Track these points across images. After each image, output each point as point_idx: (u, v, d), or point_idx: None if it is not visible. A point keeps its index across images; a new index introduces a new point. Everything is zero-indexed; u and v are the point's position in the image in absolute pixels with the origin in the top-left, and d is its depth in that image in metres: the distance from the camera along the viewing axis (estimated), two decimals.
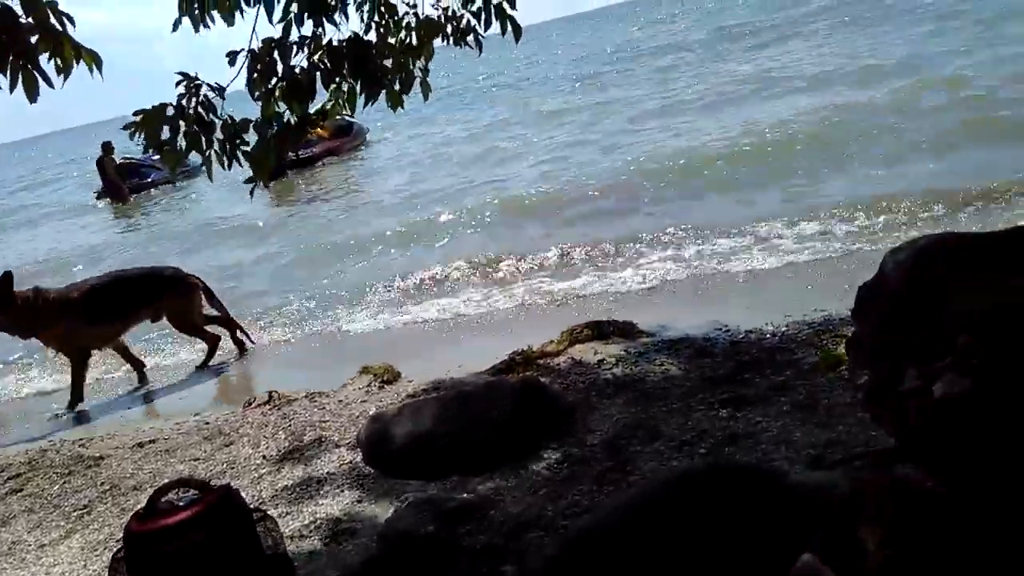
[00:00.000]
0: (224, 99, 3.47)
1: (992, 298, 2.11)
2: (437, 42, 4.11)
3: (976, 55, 14.61)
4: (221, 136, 3.43)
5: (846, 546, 2.38)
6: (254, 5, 3.40)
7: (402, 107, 4.05)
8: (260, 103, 3.53)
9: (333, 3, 3.55)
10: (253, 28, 3.42)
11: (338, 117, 4.47)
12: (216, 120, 3.46)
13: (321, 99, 3.83)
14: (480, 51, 4.15)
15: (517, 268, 8.23)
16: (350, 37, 3.68)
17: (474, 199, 12.40)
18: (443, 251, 9.76)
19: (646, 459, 3.66)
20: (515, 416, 4.08)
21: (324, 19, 3.49)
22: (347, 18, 3.76)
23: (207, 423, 5.44)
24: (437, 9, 4.12)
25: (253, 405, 5.47)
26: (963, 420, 2.03)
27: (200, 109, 3.40)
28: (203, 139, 3.39)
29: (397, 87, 3.98)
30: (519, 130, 19.40)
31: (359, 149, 23.31)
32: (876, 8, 26.26)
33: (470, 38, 4.14)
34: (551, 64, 39.03)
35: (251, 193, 3.76)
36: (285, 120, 3.51)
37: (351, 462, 4.20)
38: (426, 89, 4.12)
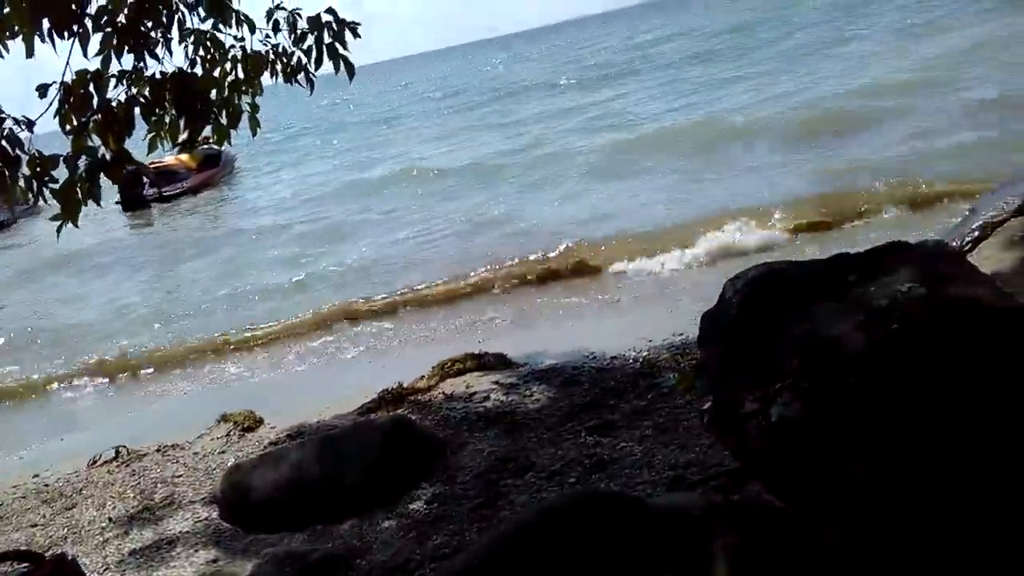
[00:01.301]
0: (33, 133, 3.22)
1: (816, 324, 2.25)
2: (279, 78, 4.02)
3: None
4: (28, 172, 3.19)
5: (702, 567, 2.47)
6: (69, 38, 3.20)
7: (228, 142, 3.94)
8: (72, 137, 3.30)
9: (156, 37, 3.41)
10: (67, 60, 3.23)
11: (204, 146, 4.28)
12: (22, 155, 3.21)
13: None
14: (312, 90, 4.09)
15: (386, 304, 8.12)
16: (174, 72, 3.54)
17: (345, 238, 12.14)
18: (311, 290, 9.49)
19: (518, 492, 3.66)
20: (384, 457, 3.98)
21: (146, 53, 3.35)
22: (171, 53, 3.63)
23: (47, 485, 4.99)
24: (266, 45, 4.03)
25: (99, 462, 5.07)
26: (797, 441, 2.15)
27: (4, 143, 3.15)
28: (7, 175, 3.14)
29: (224, 121, 3.85)
30: None
31: (231, 178, 22.65)
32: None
33: (301, 76, 4.06)
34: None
35: (58, 232, 3.45)
36: (100, 155, 3.29)
37: (207, 519, 3.96)
38: (254, 124, 4.00)
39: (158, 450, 5.04)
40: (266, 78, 4.03)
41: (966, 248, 5.17)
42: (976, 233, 5.30)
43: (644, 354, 5.08)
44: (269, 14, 4.15)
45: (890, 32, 21.58)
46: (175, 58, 3.77)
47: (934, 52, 16.39)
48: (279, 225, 14.56)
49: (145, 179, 18.92)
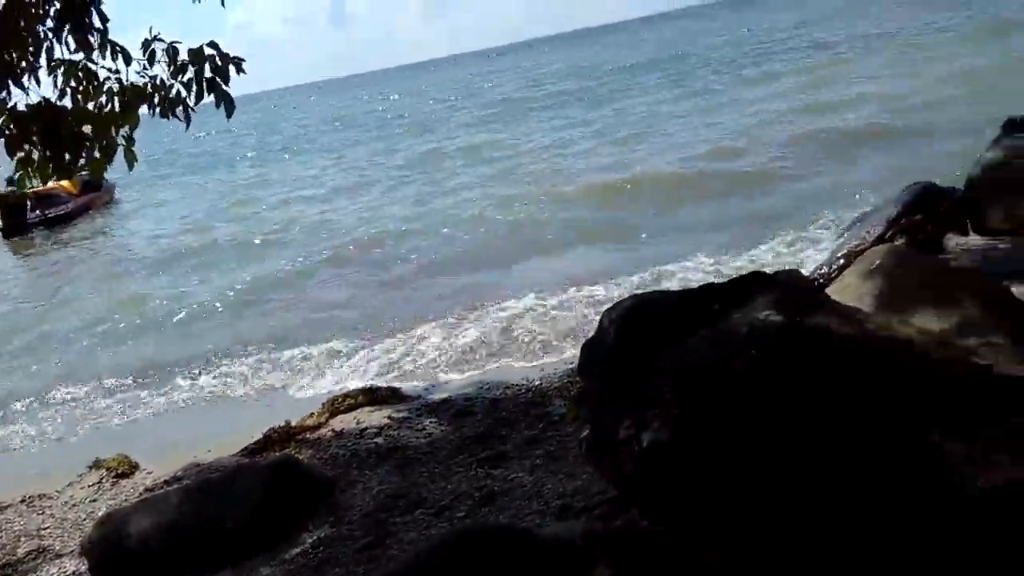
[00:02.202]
0: None
1: (685, 353, 2.34)
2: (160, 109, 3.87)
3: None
4: None
5: None
6: None
7: (103, 177, 3.77)
8: None
9: (23, 65, 3.24)
10: None
11: (83, 172, 4.06)
12: None
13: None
14: (188, 124, 3.96)
15: (274, 338, 7.87)
16: (39, 103, 3.36)
17: (223, 273, 11.71)
18: (194, 324, 9.08)
19: (407, 529, 3.60)
20: (268, 499, 3.83)
21: (11, 82, 3.16)
22: (39, 83, 3.45)
23: None
24: (144, 77, 3.89)
25: None
26: (667, 466, 2.21)
27: None
28: None
29: (98, 154, 3.67)
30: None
31: (111, 203, 21.92)
32: None
33: (179, 109, 3.93)
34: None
35: None
36: None
37: (75, 573, 3.70)
38: (130, 157, 3.82)
39: (22, 501, 4.69)
40: (143, 110, 3.87)
41: (833, 274, 5.52)
42: (842, 261, 5.67)
43: (536, 383, 5.14)
44: (146, 45, 4.00)
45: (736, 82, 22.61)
46: (44, 89, 3.58)
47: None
48: (159, 253, 14.00)
49: (28, 202, 18.37)
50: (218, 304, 9.67)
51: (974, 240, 5.47)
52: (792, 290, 2.39)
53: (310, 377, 6.68)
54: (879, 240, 5.62)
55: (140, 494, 4.38)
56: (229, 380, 6.95)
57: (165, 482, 4.52)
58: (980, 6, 27.26)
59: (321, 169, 22.41)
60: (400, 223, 12.50)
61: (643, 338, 2.55)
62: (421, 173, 17.88)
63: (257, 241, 13.49)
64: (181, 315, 9.38)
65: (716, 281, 2.65)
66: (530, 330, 6.59)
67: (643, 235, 9.23)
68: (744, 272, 2.68)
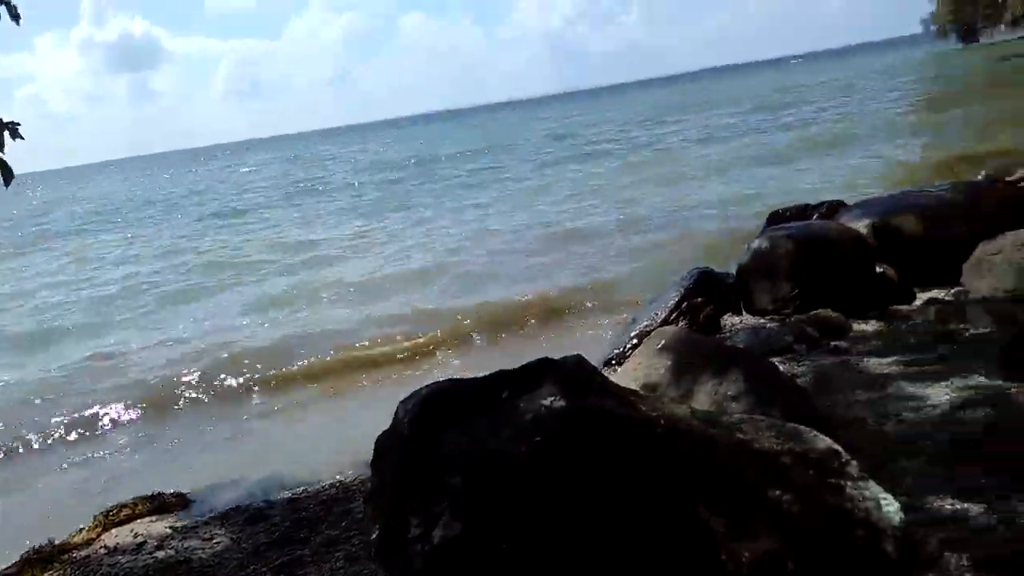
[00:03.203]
0: None
1: (474, 441, 2.32)
2: None
3: None
4: None
5: None
6: None
7: None
8: None
9: None
10: None
11: None
12: None
13: None
14: None
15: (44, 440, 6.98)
16: None
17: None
18: None
19: None
20: None
21: None
22: None
23: None
24: None
25: None
26: (459, 562, 2.15)
27: None
28: None
29: None
30: None
31: None
32: None
33: None
34: None
35: None
36: None
37: None
38: None
39: None
40: None
41: (628, 352, 5.84)
42: (635, 340, 6.02)
43: (339, 478, 4.90)
44: None
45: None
46: None
47: None
48: None
49: None
50: None
51: (747, 320, 6.05)
52: (575, 375, 2.46)
53: (79, 483, 5.95)
54: (665, 321, 6.07)
55: None
56: None
57: None
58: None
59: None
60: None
61: (437, 427, 2.51)
62: None
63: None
64: None
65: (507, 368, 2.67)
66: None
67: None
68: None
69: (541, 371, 2.55)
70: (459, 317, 8.91)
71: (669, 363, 4.18)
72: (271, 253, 16.97)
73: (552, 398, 2.29)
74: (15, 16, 4.45)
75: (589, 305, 8.78)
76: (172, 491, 4.99)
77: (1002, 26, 51.66)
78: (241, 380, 7.92)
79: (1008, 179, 8.27)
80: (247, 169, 46.08)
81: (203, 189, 42.08)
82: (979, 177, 9.36)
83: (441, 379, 2.91)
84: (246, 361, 8.41)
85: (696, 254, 9.30)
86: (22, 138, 4.05)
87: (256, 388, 7.79)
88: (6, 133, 3.94)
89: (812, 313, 5.58)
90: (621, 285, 9.56)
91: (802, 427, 2.58)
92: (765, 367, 4.15)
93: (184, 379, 8.08)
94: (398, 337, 8.46)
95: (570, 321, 8.44)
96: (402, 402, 2.78)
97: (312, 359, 8.15)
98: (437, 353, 8.06)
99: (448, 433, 2.47)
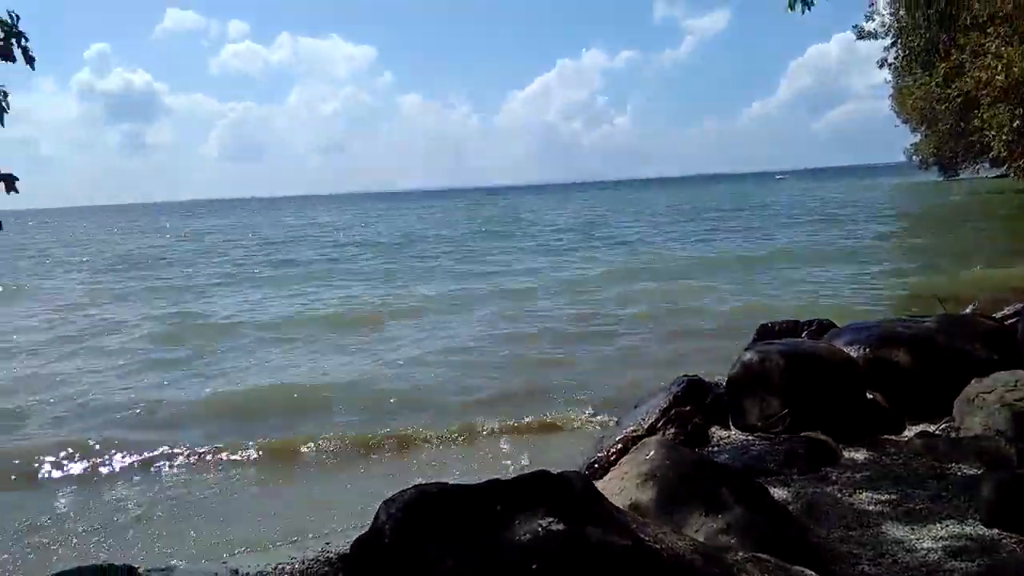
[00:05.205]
0: None
1: (465, 561, 2.16)
2: None
3: None
4: None
5: None
6: None
7: None
8: None
9: None
10: None
11: None
12: None
13: None
14: None
15: None
16: None
17: None
18: None
19: None
20: None
21: None
22: None
23: None
24: None
25: None
26: None
27: None
28: None
29: None
30: None
31: None
32: None
33: None
34: None
35: None
36: None
37: None
38: None
39: None
40: None
41: (612, 457, 5.67)
42: (620, 446, 5.86)
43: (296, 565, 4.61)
44: None
45: None
46: None
47: None
48: None
49: None
50: None
51: (735, 435, 5.92)
52: (574, 495, 2.32)
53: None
54: (652, 428, 5.93)
55: None
56: None
57: None
58: None
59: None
60: None
61: (423, 537, 2.34)
62: None
63: None
64: None
65: (501, 478, 2.52)
66: None
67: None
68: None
69: (538, 486, 2.41)
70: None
71: (658, 481, 4.03)
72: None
73: (550, 520, 2.15)
74: (30, 59, 4.43)
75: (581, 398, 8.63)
76: (122, 563, 4.66)
77: (986, 163, 53.83)
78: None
79: (995, 316, 8.34)
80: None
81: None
82: (967, 311, 9.46)
83: (425, 482, 2.76)
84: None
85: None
86: (16, 191, 3.98)
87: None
88: (1, 184, 3.88)
89: (803, 435, 5.47)
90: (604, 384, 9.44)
91: (807, 571, 2.44)
92: (757, 492, 4.01)
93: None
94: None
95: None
96: (385, 503, 2.61)
97: None
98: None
99: (433, 545, 2.30)
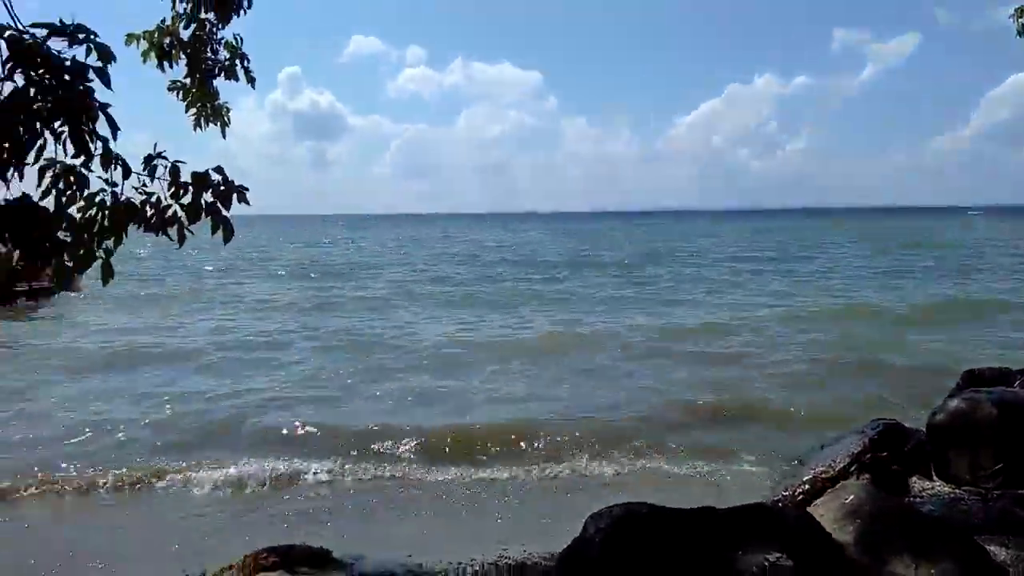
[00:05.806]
0: None
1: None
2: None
3: None
4: None
5: None
6: None
7: (64, 288, 3.54)
8: None
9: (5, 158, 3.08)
10: None
11: None
12: None
13: None
14: (181, 243, 3.82)
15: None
16: (17, 199, 3.16)
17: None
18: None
19: None
20: None
21: None
22: (21, 178, 3.27)
23: None
24: (142, 193, 3.78)
25: None
26: None
27: None
28: None
29: (70, 263, 3.45)
30: None
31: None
32: None
33: (173, 229, 3.81)
34: None
35: None
36: None
37: None
38: (107, 273, 3.60)
39: None
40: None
41: (798, 498, 5.41)
42: (807, 487, 5.57)
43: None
44: (147, 160, 3.91)
45: None
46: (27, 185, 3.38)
47: None
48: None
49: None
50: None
51: (939, 487, 5.46)
52: (798, 532, 2.25)
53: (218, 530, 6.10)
54: (844, 472, 5.58)
55: None
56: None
57: None
58: None
59: None
60: None
61: (635, 555, 2.36)
62: None
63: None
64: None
65: (716, 506, 2.50)
66: None
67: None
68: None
69: (756, 518, 2.36)
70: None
71: (859, 521, 3.80)
72: None
73: (777, 556, 2.10)
74: (251, 79, 4.92)
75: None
76: (317, 544, 5.00)
77: None
78: None
79: None
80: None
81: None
82: None
83: (633, 501, 2.78)
84: None
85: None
86: (248, 203, 4.19)
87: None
88: (235, 195, 4.10)
89: (1021, 492, 4.96)
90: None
91: None
92: (975, 550, 3.68)
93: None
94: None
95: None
96: (592, 518, 2.66)
97: None
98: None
99: (651, 567, 2.32)
